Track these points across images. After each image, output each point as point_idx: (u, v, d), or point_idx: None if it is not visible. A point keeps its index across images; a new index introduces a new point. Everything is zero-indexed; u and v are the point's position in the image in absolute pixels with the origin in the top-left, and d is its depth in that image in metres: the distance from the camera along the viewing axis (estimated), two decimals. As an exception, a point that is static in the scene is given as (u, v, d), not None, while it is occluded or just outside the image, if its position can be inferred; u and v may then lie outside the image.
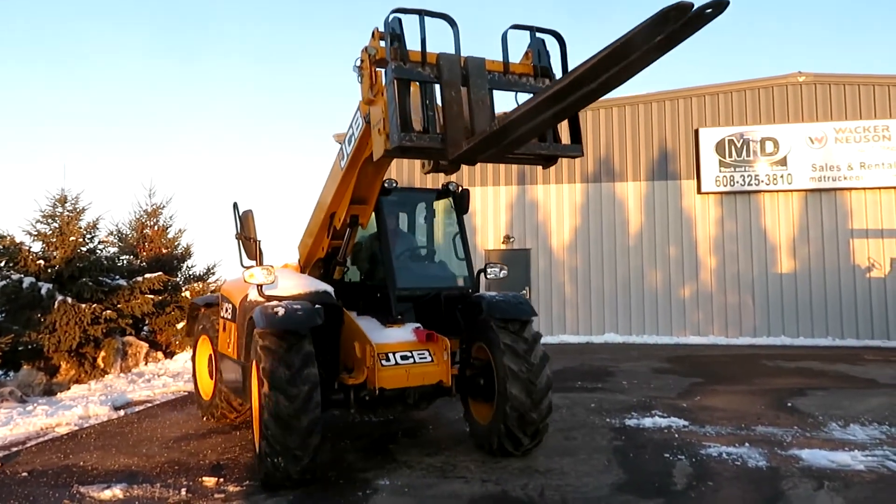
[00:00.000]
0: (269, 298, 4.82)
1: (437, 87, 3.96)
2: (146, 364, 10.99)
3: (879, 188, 15.12)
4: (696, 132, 15.95)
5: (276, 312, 4.41)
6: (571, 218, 16.43)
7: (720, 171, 15.74)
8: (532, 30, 4.32)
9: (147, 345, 11.27)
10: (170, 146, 51.03)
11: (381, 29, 3.99)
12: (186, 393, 8.64)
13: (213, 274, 14.17)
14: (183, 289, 12.71)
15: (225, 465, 5.00)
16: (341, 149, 4.94)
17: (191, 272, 14.02)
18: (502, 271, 5.94)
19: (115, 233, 13.40)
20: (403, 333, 5.11)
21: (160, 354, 11.61)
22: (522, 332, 5.05)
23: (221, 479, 4.60)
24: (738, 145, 15.72)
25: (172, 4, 48.68)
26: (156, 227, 13.87)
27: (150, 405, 7.80)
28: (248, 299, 5.13)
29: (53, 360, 10.11)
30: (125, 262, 12.50)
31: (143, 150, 50.90)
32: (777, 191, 15.55)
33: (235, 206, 5.30)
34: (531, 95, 3.96)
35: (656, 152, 16.24)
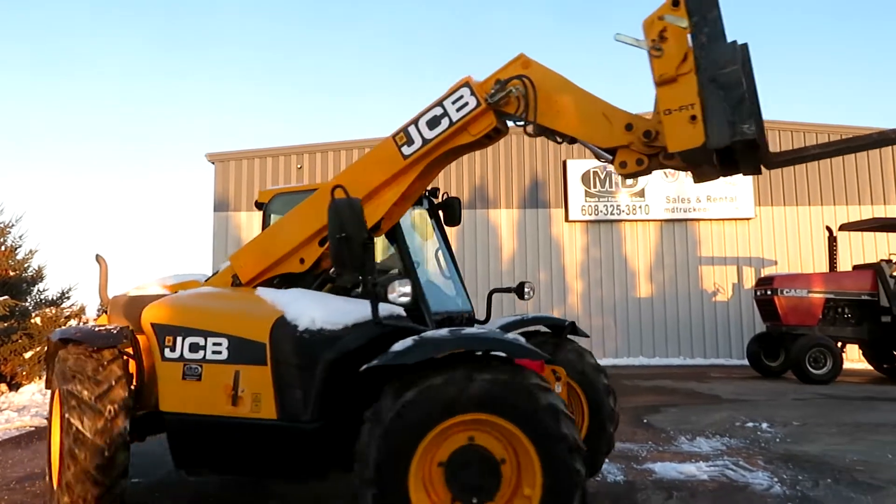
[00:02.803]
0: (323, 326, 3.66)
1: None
2: (-14, 398, 9.99)
3: (723, 219, 16.69)
4: (564, 163, 16.87)
5: (515, 340, 3.35)
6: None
7: (586, 201, 16.72)
8: None
9: (-13, 376, 10.26)
10: (20, 162, 47.02)
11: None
12: (33, 428, 7.95)
13: (69, 298, 13.19)
14: (33, 314, 11.71)
15: (77, 505, 4.65)
16: (403, 132, 4.02)
17: (43, 296, 12.96)
18: (532, 290, 5.58)
19: (-49, 253, 12.15)
20: None
21: (4, 386, 10.59)
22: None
23: (73, 522, 4.27)
24: (602, 177, 16.79)
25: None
26: (2, 248, 12.71)
27: (-11, 443, 7.10)
28: (303, 328, 3.65)
29: None
30: (-37, 285, 11.36)
31: (-13, 161, 46.57)
32: (636, 220, 16.75)
33: (334, 190, 3.84)
34: None
35: (528, 181, 17.00)
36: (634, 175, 3.75)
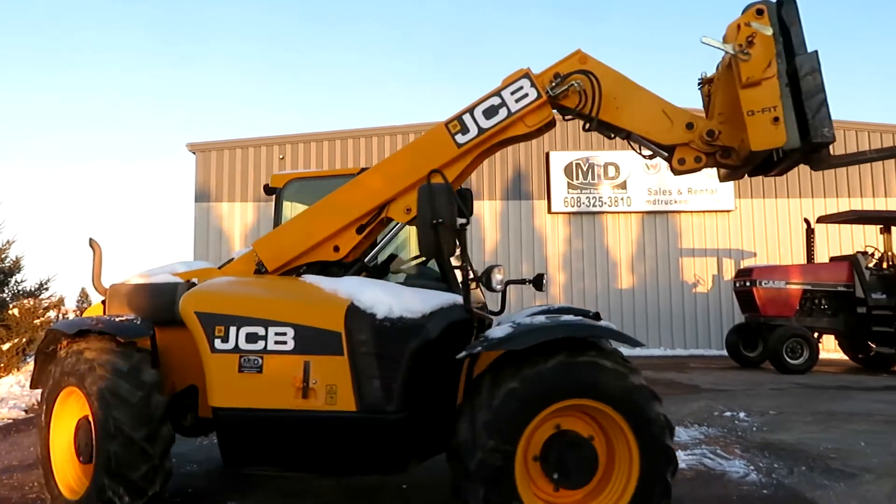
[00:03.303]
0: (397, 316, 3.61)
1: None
2: (-38, 390, 9.85)
3: (703, 211, 16.85)
4: (547, 155, 16.92)
5: (609, 326, 3.58)
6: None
7: (568, 193, 16.80)
8: None
9: (-36, 369, 10.13)
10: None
11: (763, 9, 3.59)
12: (11, 420, 7.87)
13: (47, 289, 13.02)
14: (11, 306, 11.57)
15: (57, 497, 4.63)
16: (457, 121, 3.98)
17: (20, 287, 12.77)
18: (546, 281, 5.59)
19: (-74, 244, 11.94)
20: None
21: (-20, 379, 10.46)
22: None
23: (52, 514, 4.25)
24: (585, 169, 16.88)
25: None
26: (-22, 239, 12.51)
27: (-34, 436, 7.02)
28: (381, 317, 3.56)
29: None
30: (-62, 276, 11.18)
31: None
32: (618, 212, 16.86)
33: (431, 174, 3.81)
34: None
35: (511, 173, 17.04)
36: (690, 172, 3.95)
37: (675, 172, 4.00)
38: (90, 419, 3.78)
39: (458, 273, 4.12)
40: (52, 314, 12.05)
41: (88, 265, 4.76)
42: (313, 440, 3.61)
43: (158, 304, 4.07)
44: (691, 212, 16.86)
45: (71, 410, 4.02)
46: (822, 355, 12.80)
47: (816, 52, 3.57)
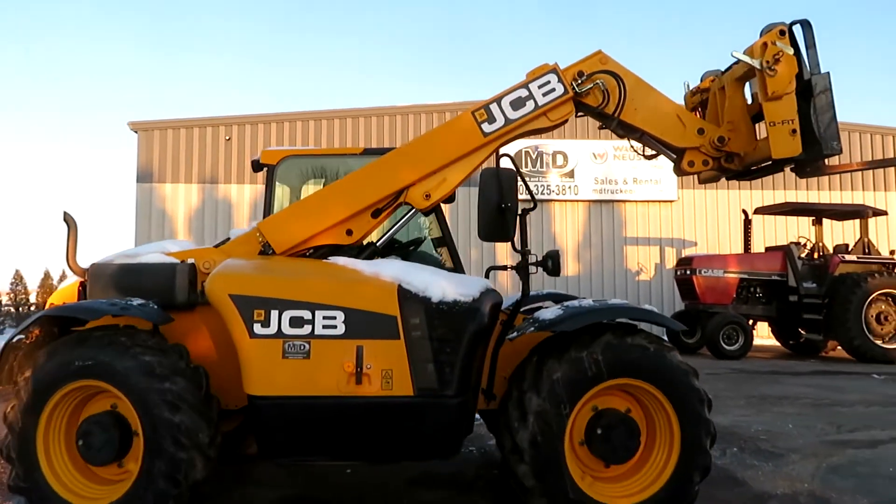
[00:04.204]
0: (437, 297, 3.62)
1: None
2: None
3: (648, 201, 17.26)
4: (497, 143, 17.01)
5: (652, 310, 3.86)
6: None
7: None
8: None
9: None
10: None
11: (785, 30, 3.93)
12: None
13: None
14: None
15: (-13, 487, 4.47)
16: (484, 110, 4.01)
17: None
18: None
19: None
20: None
21: None
22: None
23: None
24: (534, 157, 17.05)
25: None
26: None
27: None
28: (437, 300, 3.58)
29: None
30: None
31: None
32: (565, 200, 17.11)
33: (500, 157, 3.96)
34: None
35: (461, 159, 17.06)
36: (695, 174, 4.28)
37: (681, 173, 4.34)
38: (132, 408, 3.42)
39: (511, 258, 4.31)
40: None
41: (62, 242, 4.24)
42: (367, 427, 3.54)
43: (156, 285, 3.82)
44: (636, 201, 17.25)
45: (66, 409, 3.58)
46: (756, 341, 13.32)
47: (829, 73, 3.93)
